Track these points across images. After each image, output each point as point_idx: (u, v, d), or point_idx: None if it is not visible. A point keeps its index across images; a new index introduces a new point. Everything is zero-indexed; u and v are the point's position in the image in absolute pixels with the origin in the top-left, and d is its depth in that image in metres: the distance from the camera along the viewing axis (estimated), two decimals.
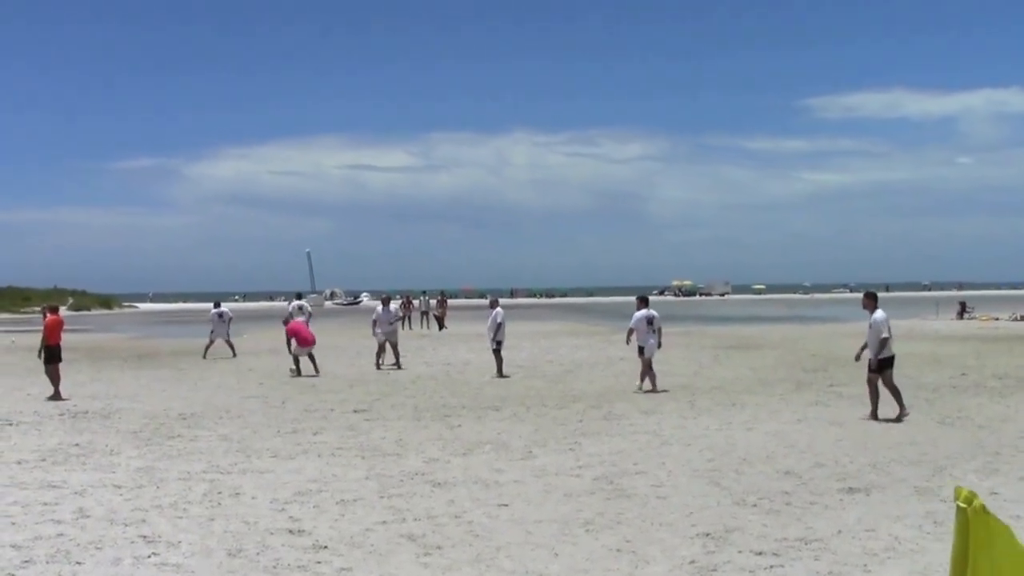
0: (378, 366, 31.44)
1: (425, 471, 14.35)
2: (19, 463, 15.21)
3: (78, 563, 9.70)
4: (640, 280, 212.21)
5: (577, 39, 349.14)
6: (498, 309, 29.31)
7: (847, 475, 13.74)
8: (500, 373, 28.38)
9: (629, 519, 11.36)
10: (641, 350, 24.72)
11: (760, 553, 9.89)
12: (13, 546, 10.28)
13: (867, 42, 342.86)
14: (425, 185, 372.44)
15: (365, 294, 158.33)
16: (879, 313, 19.36)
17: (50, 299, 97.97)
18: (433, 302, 61.65)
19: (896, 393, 19.17)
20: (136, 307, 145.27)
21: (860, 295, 21.56)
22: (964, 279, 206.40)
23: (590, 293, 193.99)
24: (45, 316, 26.00)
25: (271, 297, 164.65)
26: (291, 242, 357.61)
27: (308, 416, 20.45)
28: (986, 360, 32.14)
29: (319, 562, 9.75)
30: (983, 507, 4.56)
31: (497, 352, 28.91)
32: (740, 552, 9.95)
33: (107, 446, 16.78)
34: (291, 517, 11.58)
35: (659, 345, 24.93)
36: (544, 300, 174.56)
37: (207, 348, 37.79)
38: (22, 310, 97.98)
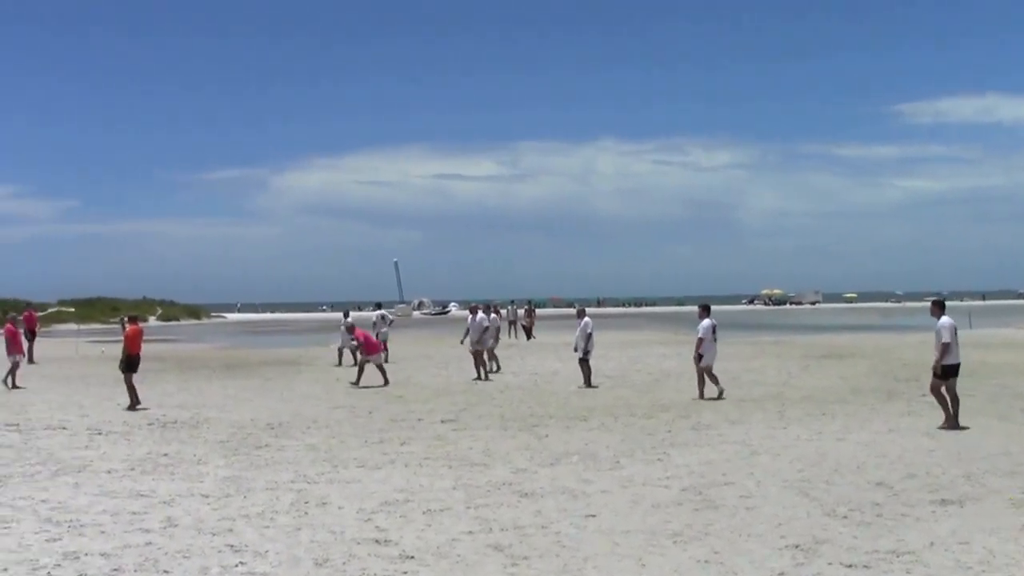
0: (481, 377, 31.32)
1: (512, 481, 14.30)
2: (108, 472, 15.37)
3: (166, 572, 9.76)
4: (729, 289, 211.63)
5: (664, 46, 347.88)
6: (587, 319, 29.16)
7: (940, 486, 13.49)
8: (588, 383, 28.24)
9: (717, 530, 11.23)
10: (700, 358, 24.99)
11: (850, 566, 9.73)
12: (103, 554, 10.37)
13: (960, 46, 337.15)
14: (512, 194, 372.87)
15: (453, 304, 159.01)
16: (944, 319, 19.18)
17: (139, 309, 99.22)
18: (521, 312, 61.52)
19: (954, 403, 18.90)
20: (224, 317, 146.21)
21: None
22: None
23: (679, 302, 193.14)
24: (125, 326, 26.27)
25: (359, 307, 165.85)
26: (378, 252, 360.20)
27: (395, 426, 20.49)
28: None
29: (405, 572, 9.73)
30: None
31: (585, 362, 28.75)
32: (830, 564, 9.79)
33: (195, 456, 16.92)
34: (378, 527, 11.58)
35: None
36: (632, 309, 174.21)
37: (341, 357, 38.44)
38: (111, 320, 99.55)
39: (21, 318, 46.60)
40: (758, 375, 30.75)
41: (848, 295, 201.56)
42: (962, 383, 19.50)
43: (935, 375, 19.16)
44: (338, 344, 39.04)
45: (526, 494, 13.38)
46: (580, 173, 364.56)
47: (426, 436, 19.00)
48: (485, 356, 32.11)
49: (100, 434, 19.74)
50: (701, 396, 24.61)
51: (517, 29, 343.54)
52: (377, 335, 36.88)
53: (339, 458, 16.53)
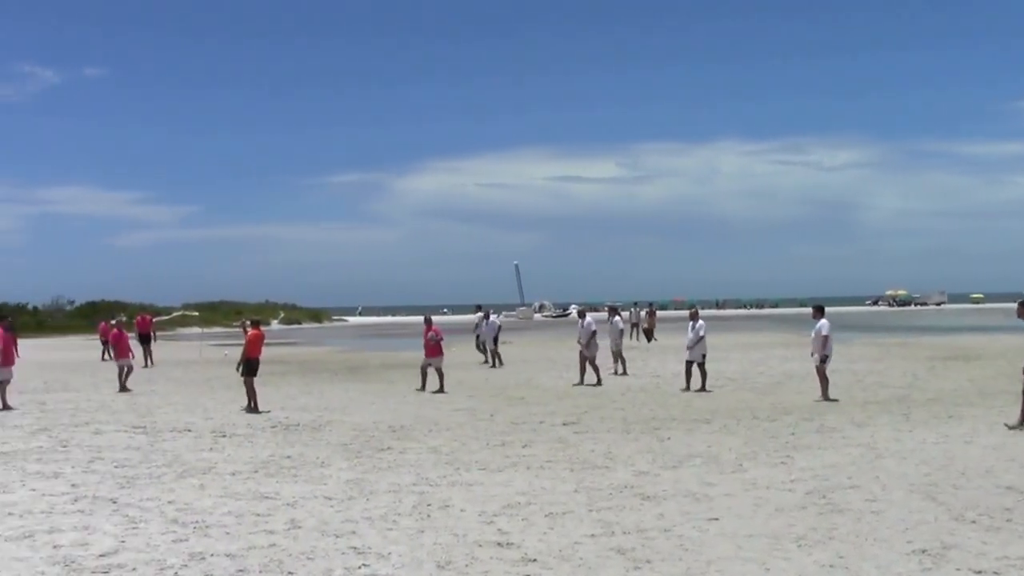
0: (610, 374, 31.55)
1: (634, 484, 14.25)
2: (233, 474, 15.62)
3: (290, 573, 9.88)
4: (853, 290, 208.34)
5: (784, 41, 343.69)
6: (700, 321, 28.75)
7: None
8: (703, 387, 27.85)
9: (842, 534, 11.09)
10: (825, 359, 24.96)
11: (979, 572, 9.55)
12: (228, 555, 10.54)
13: None
14: (632, 196, 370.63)
15: (574, 306, 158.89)
16: None
17: (262, 313, 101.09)
18: (643, 314, 61.28)
19: None
20: (345, 320, 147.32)
21: None
22: None
23: (802, 304, 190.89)
24: (246, 330, 26.67)
25: (479, 309, 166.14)
26: (499, 254, 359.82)
27: (517, 429, 20.54)
28: None
29: (527, 575, 9.73)
30: None
31: (701, 365, 28.40)
32: (958, 570, 9.62)
33: (318, 458, 17.10)
34: (500, 530, 11.61)
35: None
36: (753, 311, 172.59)
37: (485, 353, 40.58)
38: (234, 324, 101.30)
39: (133, 322, 48.23)
40: (883, 377, 30.32)
41: (975, 296, 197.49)
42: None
43: None
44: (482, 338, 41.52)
45: (648, 497, 13.33)
46: (701, 174, 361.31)
47: (548, 439, 19.01)
48: (611, 358, 32.26)
49: (224, 436, 20.07)
50: (825, 398, 24.38)
51: (636, 28, 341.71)
52: (477, 336, 41.34)
53: (461, 461, 16.61)
